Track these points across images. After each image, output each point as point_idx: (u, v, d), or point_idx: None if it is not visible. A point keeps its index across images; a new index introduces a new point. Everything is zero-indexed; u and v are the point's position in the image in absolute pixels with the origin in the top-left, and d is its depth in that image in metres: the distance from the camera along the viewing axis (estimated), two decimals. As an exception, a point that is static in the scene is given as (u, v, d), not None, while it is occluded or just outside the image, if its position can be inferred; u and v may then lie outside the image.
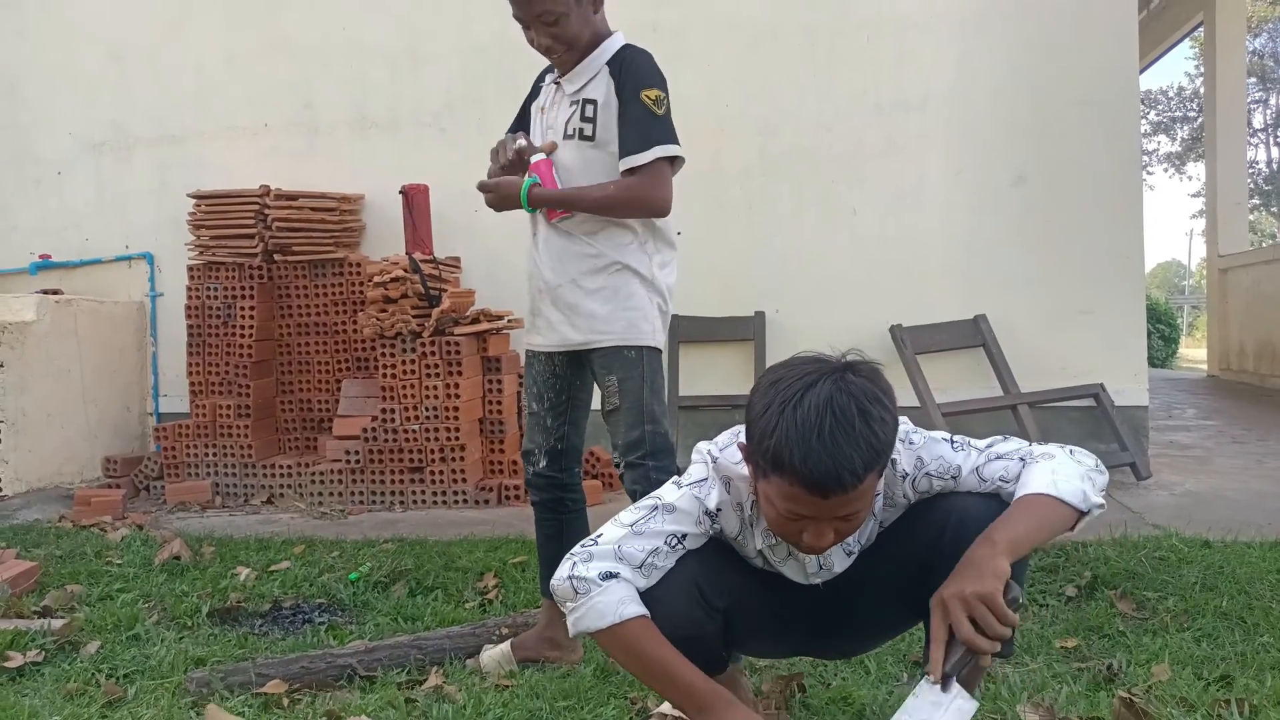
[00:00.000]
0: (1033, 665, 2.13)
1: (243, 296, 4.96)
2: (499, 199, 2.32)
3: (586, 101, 2.23)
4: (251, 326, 4.93)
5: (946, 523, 1.52)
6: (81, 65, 5.73)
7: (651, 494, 1.62)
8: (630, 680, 2.13)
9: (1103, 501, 1.49)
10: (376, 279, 4.61)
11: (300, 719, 1.96)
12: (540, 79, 2.42)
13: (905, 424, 1.57)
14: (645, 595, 1.53)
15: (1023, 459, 1.54)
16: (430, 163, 5.22)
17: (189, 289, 5.06)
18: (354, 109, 5.42)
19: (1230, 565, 2.81)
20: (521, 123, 2.45)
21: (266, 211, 4.98)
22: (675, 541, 1.56)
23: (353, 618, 2.73)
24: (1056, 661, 2.17)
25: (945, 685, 1.34)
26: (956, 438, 1.60)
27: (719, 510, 1.57)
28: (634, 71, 2.21)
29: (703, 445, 1.62)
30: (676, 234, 2.33)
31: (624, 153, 2.18)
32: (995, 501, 1.53)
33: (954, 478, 1.55)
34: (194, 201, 5.11)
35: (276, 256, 5.01)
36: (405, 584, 2.97)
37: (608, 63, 2.24)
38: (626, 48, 2.28)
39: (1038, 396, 4.63)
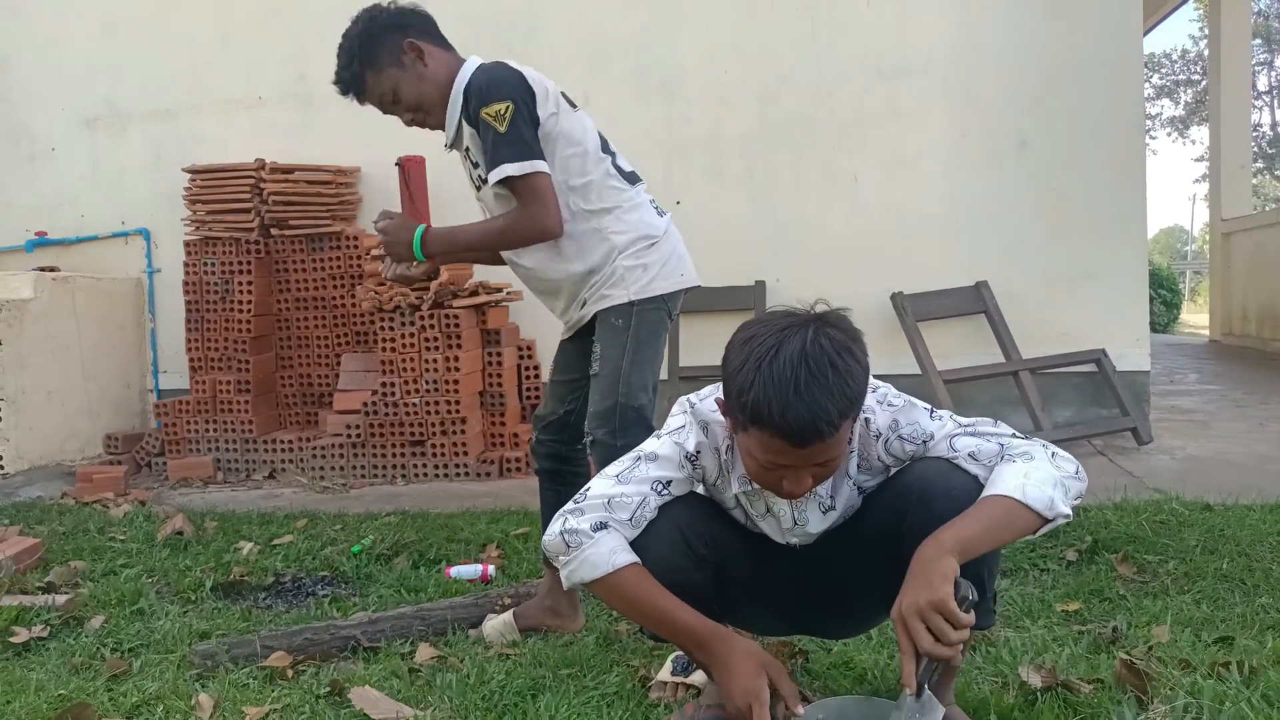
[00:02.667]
0: (1034, 629, 2.14)
1: (240, 271, 4.94)
2: (392, 247, 2.28)
3: (466, 152, 2.23)
4: (250, 302, 4.91)
5: (909, 499, 1.51)
6: (73, 40, 5.67)
7: (634, 448, 1.64)
8: (633, 648, 2.14)
9: (1069, 512, 1.45)
10: (374, 252, 4.59)
11: (305, 690, 1.97)
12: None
13: (887, 388, 1.59)
14: (635, 545, 1.56)
15: (1000, 445, 1.52)
16: (426, 134, 5.14)
17: (186, 265, 5.04)
18: (348, 81, 5.35)
19: (1231, 528, 2.82)
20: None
21: (262, 185, 4.94)
22: (661, 488, 1.59)
23: (356, 590, 2.74)
24: (1058, 625, 2.17)
25: (919, 694, 1.37)
26: (939, 410, 1.59)
27: (698, 453, 1.60)
28: (475, 96, 2.12)
29: (684, 396, 1.63)
30: (634, 195, 2.22)
31: (485, 180, 2.16)
32: (959, 474, 1.50)
33: (925, 443, 1.55)
34: (189, 176, 5.08)
35: (273, 231, 4.99)
36: (408, 556, 2.98)
37: (462, 104, 2.16)
38: (473, 76, 2.17)
39: (1039, 362, 4.62)
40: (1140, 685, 1.73)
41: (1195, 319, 17.41)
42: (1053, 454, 1.51)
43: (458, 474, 4.48)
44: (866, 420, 1.56)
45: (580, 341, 2.27)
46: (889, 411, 1.57)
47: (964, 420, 1.57)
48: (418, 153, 5.48)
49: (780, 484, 1.48)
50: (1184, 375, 7.14)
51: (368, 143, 5.26)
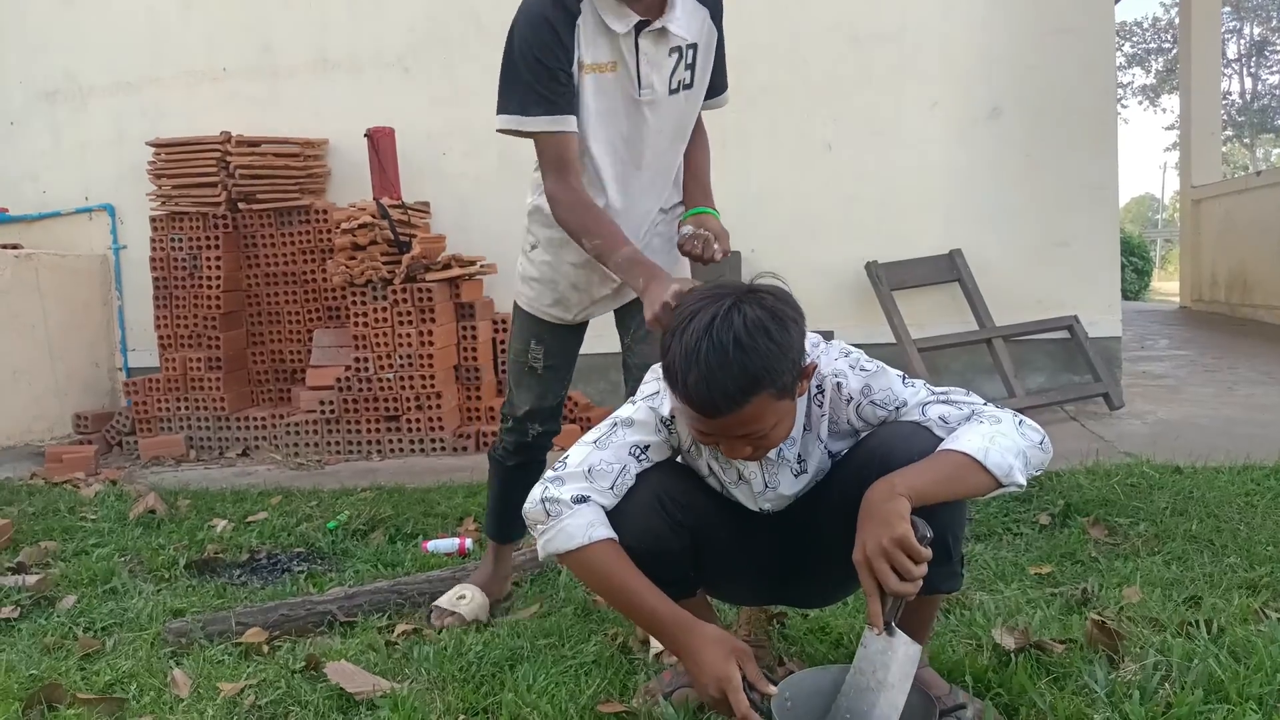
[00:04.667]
0: (1007, 591, 2.16)
1: (208, 247, 4.86)
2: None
3: (688, 47, 1.92)
4: (218, 277, 4.84)
5: (873, 461, 1.50)
6: (30, 11, 5.53)
7: (610, 415, 1.64)
8: (611, 618, 2.14)
9: (1024, 483, 1.44)
10: (344, 226, 4.52)
11: (280, 665, 1.96)
12: (547, 32, 1.82)
13: (858, 354, 1.59)
14: (613, 512, 1.56)
15: (972, 412, 1.51)
16: (395, 105, 5.11)
17: (153, 240, 4.95)
18: (314, 50, 5.26)
19: (1200, 490, 2.86)
20: (558, 99, 1.85)
21: (228, 159, 4.85)
22: (639, 452, 1.60)
23: (332, 566, 2.72)
24: (1030, 587, 2.20)
25: (890, 633, 1.39)
26: (912, 379, 1.59)
27: (672, 417, 1.60)
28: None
29: (657, 363, 1.62)
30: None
31: (713, 95, 2.06)
32: (924, 436, 1.49)
33: (897, 409, 1.55)
34: (153, 150, 4.98)
35: (240, 205, 4.90)
36: (384, 531, 2.97)
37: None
38: None
39: (1013, 330, 4.65)
40: (1111, 645, 1.76)
41: (1166, 286, 17.63)
42: (1020, 422, 1.50)
43: (433, 448, 4.46)
44: (839, 384, 1.56)
45: (580, 328, 2.18)
46: (862, 376, 1.56)
47: (937, 389, 1.57)
48: (386, 124, 5.46)
49: (719, 449, 1.50)
50: (1155, 341, 7.23)
51: (335, 115, 5.19)
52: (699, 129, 2.11)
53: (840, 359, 1.58)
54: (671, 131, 1.99)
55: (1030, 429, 1.50)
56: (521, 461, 2.24)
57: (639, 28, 1.84)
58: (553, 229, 2.01)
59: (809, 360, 1.50)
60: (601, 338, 2.37)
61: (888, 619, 1.38)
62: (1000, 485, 1.43)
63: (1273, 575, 2.17)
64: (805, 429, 1.59)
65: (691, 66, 1.95)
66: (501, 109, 1.88)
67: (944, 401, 1.54)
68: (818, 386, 1.57)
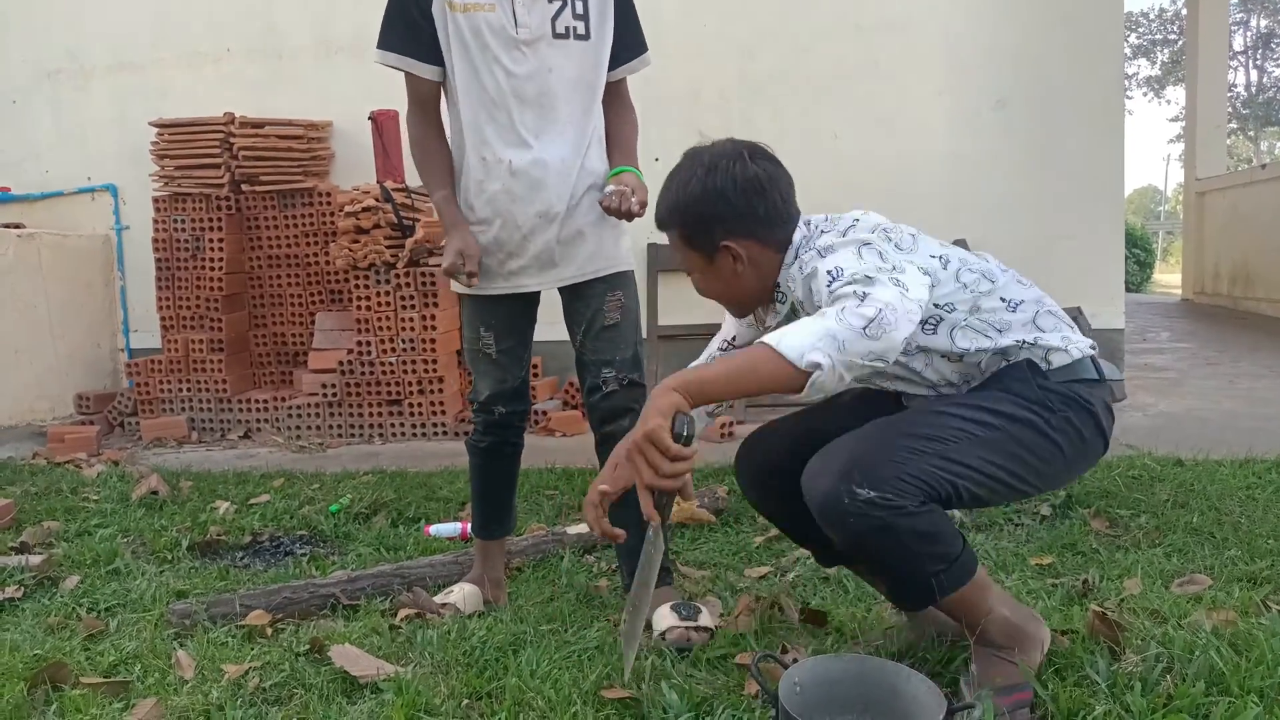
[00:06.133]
0: (1008, 582, 2.17)
1: (211, 228, 4.85)
2: None
3: None
4: (221, 259, 4.83)
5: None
6: (31, -12, 5.50)
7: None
8: (613, 604, 2.15)
9: (820, 360, 1.33)
10: (348, 209, 4.51)
11: (284, 648, 1.96)
12: None
13: (861, 227, 1.61)
14: None
15: (853, 295, 1.40)
16: (400, 88, 5.05)
17: (155, 221, 4.94)
18: (318, 32, 5.24)
19: (1201, 483, 2.86)
20: (410, 37, 1.96)
21: (232, 140, 4.84)
22: (727, 346, 1.86)
23: (334, 549, 2.73)
24: (1031, 578, 2.20)
25: (663, 525, 1.44)
26: (867, 250, 1.51)
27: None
28: None
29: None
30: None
31: (628, 57, 2.06)
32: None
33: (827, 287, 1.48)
34: (156, 131, 4.96)
35: (244, 186, 4.89)
36: (386, 515, 2.98)
37: None
38: None
39: (1015, 321, 4.64)
40: (1113, 636, 1.76)
41: (1168, 278, 17.60)
42: (844, 310, 1.37)
43: (435, 433, 4.46)
44: (808, 258, 1.57)
45: (522, 302, 2.11)
46: (819, 259, 1.52)
47: (866, 263, 1.46)
48: (389, 107, 5.44)
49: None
50: (1157, 334, 7.23)
51: (339, 97, 5.17)
52: (623, 103, 2.12)
53: (835, 236, 1.59)
54: (572, 80, 1.99)
55: (854, 314, 1.36)
56: (494, 442, 2.21)
57: None
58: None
59: (740, 243, 1.60)
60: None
61: (659, 508, 1.41)
62: (800, 372, 1.34)
63: (1273, 568, 2.17)
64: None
65: (584, 17, 1.98)
66: (378, 44, 2.01)
67: (848, 283, 1.42)
68: (794, 254, 1.62)
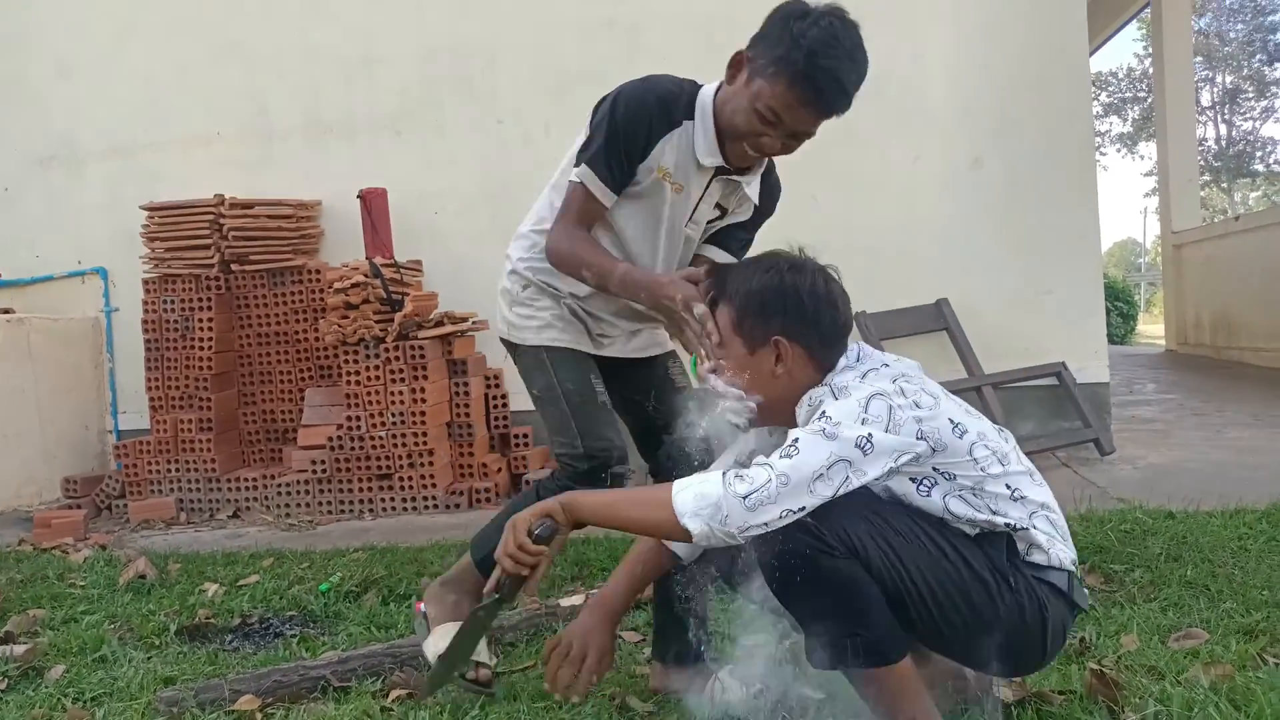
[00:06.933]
0: (1005, 642, 2.15)
1: (200, 308, 4.88)
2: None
3: (732, 208, 2.05)
4: (210, 338, 4.85)
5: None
6: (28, 80, 5.62)
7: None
8: (609, 678, 2.12)
9: (695, 529, 1.45)
10: (337, 285, 4.55)
11: (274, 734, 1.93)
12: (642, 124, 1.90)
13: (854, 376, 1.59)
14: None
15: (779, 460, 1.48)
16: (388, 166, 5.18)
17: (145, 303, 4.97)
18: (308, 114, 5.35)
19: (1194, 535, 2.87)
20: (617, 176, 1.94)
21: (222, 221, 4.90)
22: None
23: (325, 629, 2.69)
24: (1028, 638, 2.19)
25: (498, 594, 1.68)
26: (875, 402, 1.50)
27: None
28: (776, 199, 2.12)
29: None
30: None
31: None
32: None
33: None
34: (147, 214, 5.02)
35: (234, 266, 4.94)
36: (377, 592, 2.94)
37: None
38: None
39: (1001, 377, 4.68)
40: (1111, 695, 1.75)
41: (1151, 329, 17.78)
42: (739, 477, 1.47)
43: (426, 506, 4.44)
44: (819, 395, 1.59)
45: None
46: (830, 399, 1.56)
47: (831, 428, 1.48)
48: (378, 185, 5.52)
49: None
50: (1142, 385, 7.28)
51: (328, 176, 5.26)
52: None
53: (855, 377, 1.58)
54: (685, 258, 2.09)
55: (742, 484, 1.46)
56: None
57: (719, 171, 1.95)
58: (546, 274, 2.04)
59: (792, 346, 1.61)
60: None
61: (498, 586, 1.65)
62: (682, 529, 1.47)
63: (1269, 620, 2.17)
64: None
65: (720, 223, 2.07)
66: (579, 160, 1.94)
67: (792, 444, 1.50)
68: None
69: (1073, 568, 1.60)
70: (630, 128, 1.88)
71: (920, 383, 1.60)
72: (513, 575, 1.59)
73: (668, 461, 2.02)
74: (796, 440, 1.49)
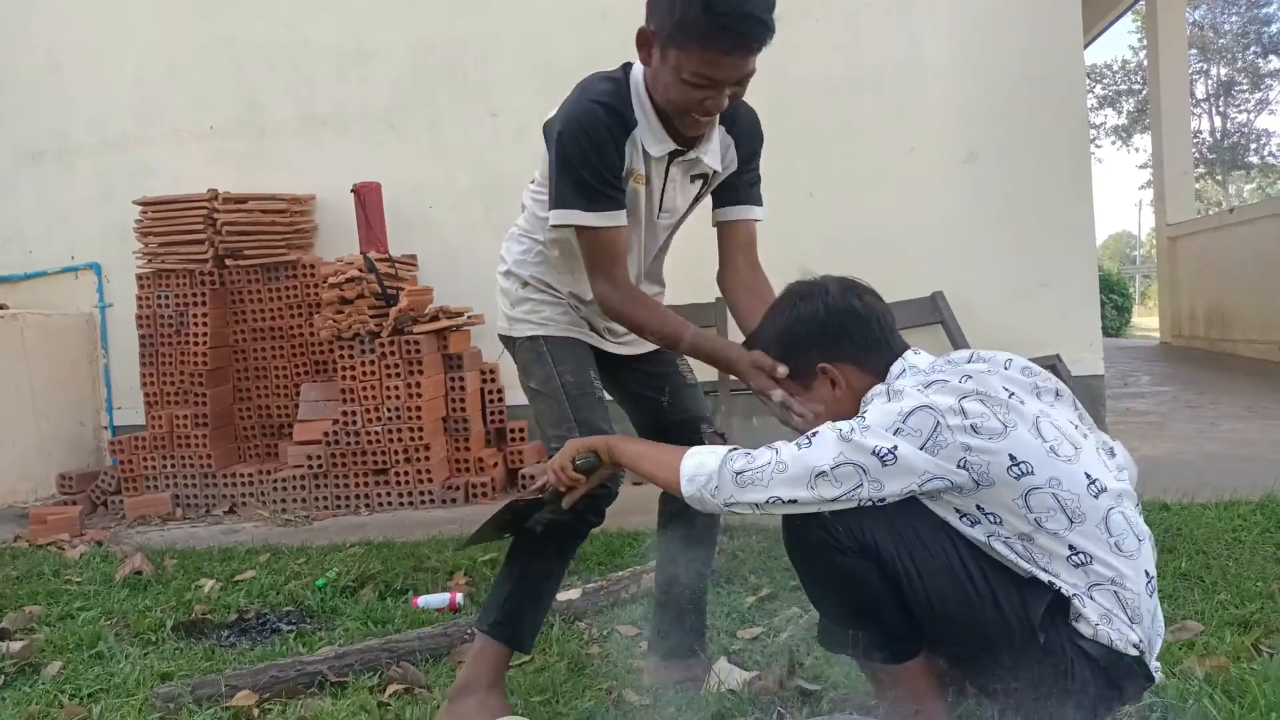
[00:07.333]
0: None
1: (194, 303, 4.87)
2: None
3: (714, 174, 1.96)
4: (205, 334, 4.84)
5: None
6: (18, 75, 5.60)
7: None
8: (605, 671, 2.13)
9: (690, 492, 1.51)
10: (331, 280, 4.54)
11: (271, 729, 1.93)
12: (603, 137, 1.79)
13: (915, 381, 1.49)
14: None
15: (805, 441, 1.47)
16: (382, 160, 5.16)
17: (139, 298, 4.96)
18: (301, 108, 5.33)
19: (1188, 527, 2.88)
20: (616, 198, 1.83)
21: (215, 216, 4.88)
22: None
23: (321, 624, 2.69)
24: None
25: (547, 502, 1.78)
26: (920, 415, 1.42)
27: None
28: (758, 131, 2.01)
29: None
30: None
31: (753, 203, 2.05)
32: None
33: None
34: (140, 209, 5.00)
35: (228, 261, 4.92)
36: (374, 587, 2.94)
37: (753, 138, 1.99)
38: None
39: (997, 370, 4.68)
40: (1105, 686, 1.75)
41: (1146, 322, 17.81)
42: (730, 458, 1.50)
43: (422, 501, 4.44)
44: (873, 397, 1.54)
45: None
46: (879, 403, 1.49)
47: (883, 440, 1.42)
48: (372, 179, 5.51)
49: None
50: (1137, 378, 7.30)
51: (322, 170, 5.24)
52: (760, 273, 2.04)
53: (915, 382, 1.49)
54: (665, 243, 2.07)
55: (738, 460, 1.49)
56: (599, 521, 1.91)
57: (673, 155, 1.88)
58: (544, 277, 1.99)
59: (838, 367, 1.60)
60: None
61: (542, 489, 1.77)
62: (678, 484, 1.53)
63: (1263, 611, 2.18)
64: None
65: (709, 190, 2.01)
66: (560, 204, 1.81)
67: (798, 444, 1.48)
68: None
69: (1132, 650, 1.41)
70: (598, 150, 1.77)
71: (1005, 406, 1.42)
72: (556, 488, 1.73)
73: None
74: (817, 432, 1.47)
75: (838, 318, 1.61)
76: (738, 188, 2.01)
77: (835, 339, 1.61)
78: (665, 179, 1.90)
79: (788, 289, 1.71)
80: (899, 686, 1.53)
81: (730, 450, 1.53)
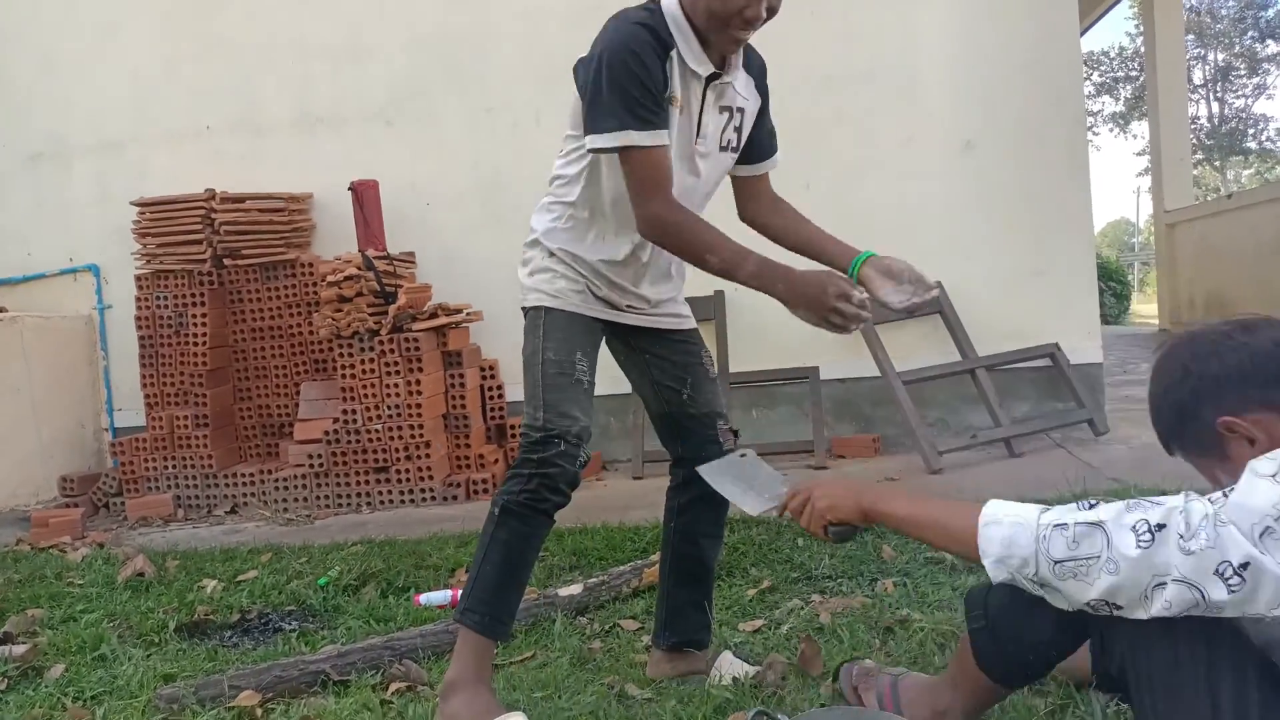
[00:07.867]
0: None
1: (193, 304, 4.87)
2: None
3: (738, 109, 1.98)
4: (204, 334, 4.84)
5: None
6: (13, 76, 5.58)
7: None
8: (607, 666, 2.13)
9: (990, 571, 1.28)
10: (330, 278, 4.54)
11: (274, 728, 1.93)
12: (650, 55, 1.79)
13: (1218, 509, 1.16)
14: None
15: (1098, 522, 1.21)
16: (378, 158, 5.16)
17: (138, 299, 4.96)
18: (297, 107, 5.32)
19: (1188, 514, 2.87)
20: (660, 118, 1.81)
21: (213, 215, 4.88)
22: None
23: (324, 623, 2.70)
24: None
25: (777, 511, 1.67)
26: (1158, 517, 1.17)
27: None
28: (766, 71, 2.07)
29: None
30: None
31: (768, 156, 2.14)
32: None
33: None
34: (138, 210, 5.00)
35: (226, 261, 4.92)
36: (376, 585, 2.95)
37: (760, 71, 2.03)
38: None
39: (995, 359, 4.69)
40: (1107, 675, 1.75)
41: (1145, 309, 17.81)
42: (1060, 528, 1.22)
43: (424, 499, 4.44)
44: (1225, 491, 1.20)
45: (604, 336, 2.03)
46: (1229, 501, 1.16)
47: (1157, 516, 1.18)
48: (369, 177, 5.50)
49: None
50: (1136, 365, 7.30)
51: (319, 169, 5.24)
52: (779, 198, 2.19)
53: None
54: (709, 188, 2.03)
55: (1066, 538, 1.20)
56: (562, 501, 1.93)
57: (709, 80, 1.87)
58: (574, 243, 1.95)
59: (1248, 419, 1.25)
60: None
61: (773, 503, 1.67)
62: (976, 558, 1.29)
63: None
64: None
65: (739, 129, 2.00)
66: (603, 128, 1.79)
67: (1142, 536, 1.17)
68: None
69: None
70: (644, 66, 1.76)
71: None
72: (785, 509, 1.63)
73: (716, 450, 2.00)
74: (1147, 517, 1.15)
75: (1232, 357, 1.29)
76: (761, 142, 2.09)
77: (1232, 382, 1.28)
78: (703, 103, 1.89)
79: (1158, 364, 1.38)
80: (959, 673, 1.54)
81: (1041, 517, 1.24)
